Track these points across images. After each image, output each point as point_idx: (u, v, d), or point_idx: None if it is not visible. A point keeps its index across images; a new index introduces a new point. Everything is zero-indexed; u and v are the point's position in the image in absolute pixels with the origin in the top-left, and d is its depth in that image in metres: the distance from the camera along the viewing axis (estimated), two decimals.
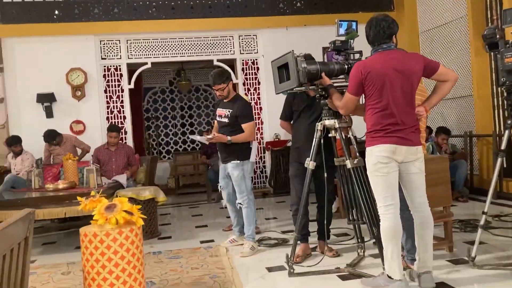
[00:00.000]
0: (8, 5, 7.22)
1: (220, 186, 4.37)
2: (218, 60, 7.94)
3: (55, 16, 7.34)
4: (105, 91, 7.61)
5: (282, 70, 3.33)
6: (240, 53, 7.97)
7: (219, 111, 4.23)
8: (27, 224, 1.53)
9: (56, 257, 4.40)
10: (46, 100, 7.17)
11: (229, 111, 4.15)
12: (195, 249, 4.28)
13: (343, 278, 3.18)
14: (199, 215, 6.34)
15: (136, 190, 5.03)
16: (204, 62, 8.94)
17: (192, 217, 6.24)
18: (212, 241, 4.61)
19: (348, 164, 3.23)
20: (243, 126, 4.12)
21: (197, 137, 4.44)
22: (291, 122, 3.97)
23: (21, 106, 7.24)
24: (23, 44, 7.24)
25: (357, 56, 3.40)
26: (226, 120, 4.17)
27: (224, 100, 4.23)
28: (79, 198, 1.92)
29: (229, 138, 4.07)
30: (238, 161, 4.11)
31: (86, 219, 5.77)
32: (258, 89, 8.03)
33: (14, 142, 6.38)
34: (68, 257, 4.31)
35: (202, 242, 4.58)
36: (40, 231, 5.60)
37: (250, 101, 6.54)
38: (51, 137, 6.46)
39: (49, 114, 7.22)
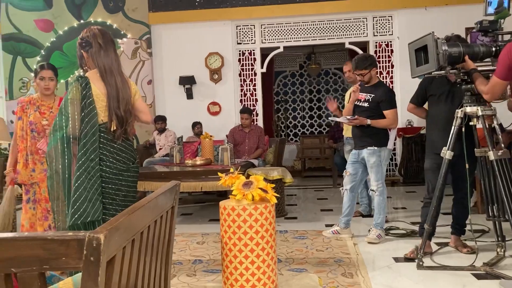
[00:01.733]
0: None
1: (345, 172, 4.28)
2: (350, 43, 7.78)
3: (196, 3, 7.85)
4: (239, 75, 7.97)
5: (420, 52, 3.16)
6: (374, 35, 7.70)
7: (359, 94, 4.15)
8: (173, 195, 1.70)
9: (192, 227, 4.80)
10: (187, 82, 7.75)
11: (370, 96, 4.05)
12: (320, 231, 4.33)
13: (478, 276, 2.97)
14: (324, 199, 6.37)
15: (265, 170, 5.23)
16: (335, 45, 8.84)
17: (317, 200, 6.30)
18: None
19: (491, 155, 2.98)
20: (386, 112, 4.00)
21: (336, 118, 4.43)
22: (422, 107, 3.76)
23: (165, 87, 7.93)
24: (168, 30, 7.89)
25: (507, 37, 3.08)
26: (366, 104, 4.06)
27: (365, 84, 4.14)
28: (219, 174, 2.07)
29: (369, 121, 3.99)
30: (375, 148, 4.01)
31: (219, 194, 6.19)
32: (392, 73, 7.70)
33: (158, 119, 7.09)
34: (203, 228, 4.68)
35: (327, 225, 4.61)
36: (179, 202, 6.13)
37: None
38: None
39: (190, 95, 7.81)
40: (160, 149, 7.00)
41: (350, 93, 4.43)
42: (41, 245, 0.98)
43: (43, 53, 7.91)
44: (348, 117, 4.07)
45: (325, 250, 3.72)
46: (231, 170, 2.09)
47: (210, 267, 3.38)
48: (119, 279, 1.15)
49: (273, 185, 1.91)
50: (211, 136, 6.05)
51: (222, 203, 1.93)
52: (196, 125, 7.38)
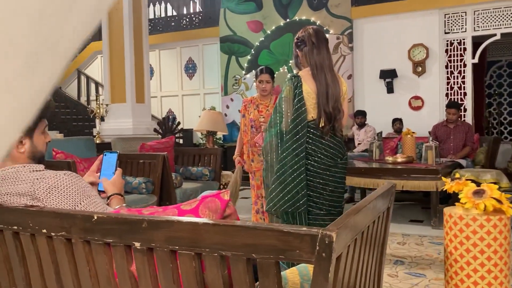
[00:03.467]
0: None
1: None
2: None
3: None
4: (446, 67, 7.40)
5: None
6: None
7: None
8: (389, 196, 1.68)
9: (391, 226, 4.64)
10: (388, 76, 7.53)
11: None
12: None
13: None
14: None
15: (475, 172, 4.75)
16: None
17: None
18: None
19: None
20: None
21: None
22: None
23: (365, 82, 7.86)
24: (370, 24, 7.77)
25: None
26: None
27: None
28: (443, 179, 1.95)
29: None
30: None
31: (418, 194, 5.88)
32: None
33: (358, 114, 7.06)
34: (403, 229, 4.51)
35: None
36: None
37: None
38: None
39: (390, 89, 7.58)
40: (358, 144, 6.97)
41: None
42: (277, 236, 1.07)
43: (253, 52, 8.63)
44: None
45: None
46: (457, 175, 1.94)
47: (412, 270, 3.24)
48: (343, 276, 1.18)
49: (509, 195, 1.70)
50: (413, 132, 5.78)
51: (447, 210, 1.80)
52: (396, 122, 7.14)
